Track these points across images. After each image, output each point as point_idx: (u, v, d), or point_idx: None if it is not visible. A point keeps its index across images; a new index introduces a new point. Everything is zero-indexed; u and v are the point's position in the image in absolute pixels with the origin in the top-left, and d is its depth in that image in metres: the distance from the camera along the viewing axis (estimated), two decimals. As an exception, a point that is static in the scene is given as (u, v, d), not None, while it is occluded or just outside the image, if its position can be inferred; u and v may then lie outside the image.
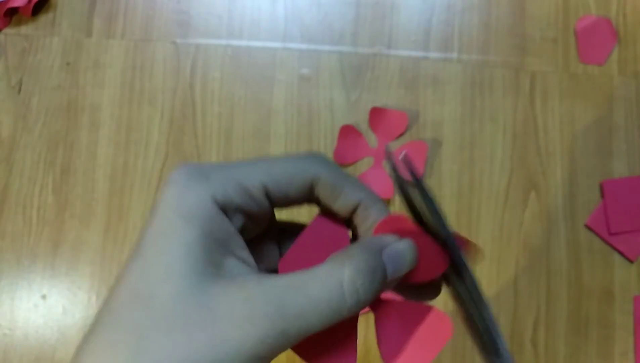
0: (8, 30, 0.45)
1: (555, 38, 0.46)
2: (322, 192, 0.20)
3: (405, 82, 0.45)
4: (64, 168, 0.43)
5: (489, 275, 0.42)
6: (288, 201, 0.20)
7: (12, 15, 0.45)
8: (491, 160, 0.44)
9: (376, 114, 0.43)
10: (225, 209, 0.18)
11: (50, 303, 0.41)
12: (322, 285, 0.17)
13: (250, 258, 0.19)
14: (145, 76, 0.44)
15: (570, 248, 0.42)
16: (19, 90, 0.44)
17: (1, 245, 0.42)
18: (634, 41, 0.46)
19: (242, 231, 0.19)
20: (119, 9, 0.45)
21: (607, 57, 0.45)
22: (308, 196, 0.20)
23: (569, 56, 0.45)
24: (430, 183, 0.43)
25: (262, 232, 0.21)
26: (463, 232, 0.43)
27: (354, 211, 0.20)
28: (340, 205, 0.20)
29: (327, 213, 0.21)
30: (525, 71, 0.45)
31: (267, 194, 0.19)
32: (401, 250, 0.19)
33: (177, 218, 0.17)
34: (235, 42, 0.45)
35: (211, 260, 0.17)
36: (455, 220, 0.43)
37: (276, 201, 0.19)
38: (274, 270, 0.21)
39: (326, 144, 0.44)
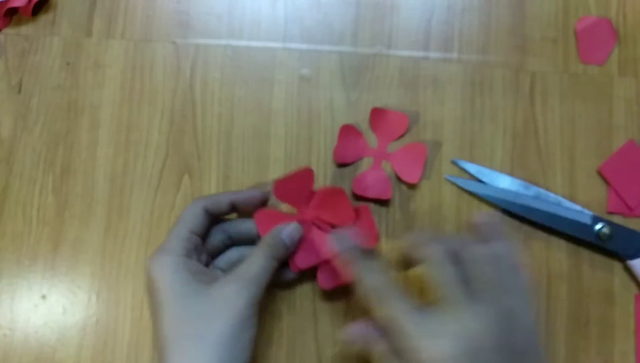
0: (8, 31, 0.45)
1: (555, 38, 0.46)
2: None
3: (405, 82, 0.45)
4: (63, 168, 0.43)
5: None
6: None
7: (12, 15, 0.45)
8: (491, 160, 0.44)
9: (377, 115, 0.43)
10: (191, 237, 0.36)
11: (50, 303, 0.41)
12: (255, 264, 0.35)
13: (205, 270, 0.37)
14: (145, 76, 0.44)
15: (569, 246, 0.43)
16: (19, 90, 0.44)
17: (1, 245, 0.42)
18: (634, 41, 0.46)
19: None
20: (119, 9, 0.45)
21: (607, 57, 0.45)
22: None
23: (569, 56, 0.45)
24: (430, 183, 0.43)
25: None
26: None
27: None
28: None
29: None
30: (525, 71, 0.45)
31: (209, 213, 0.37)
32: (291, 228, 0.37)
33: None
34: (235, 43, 0.45)
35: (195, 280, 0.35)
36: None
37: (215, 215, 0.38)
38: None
39: (326, 144, 0.44)
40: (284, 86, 0.44)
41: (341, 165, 0.43)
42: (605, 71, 0.45)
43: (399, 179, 0.43)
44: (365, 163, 0.43)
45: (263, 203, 0.39)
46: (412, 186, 0.43)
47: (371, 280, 0.33)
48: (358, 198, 0.42)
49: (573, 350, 0.41)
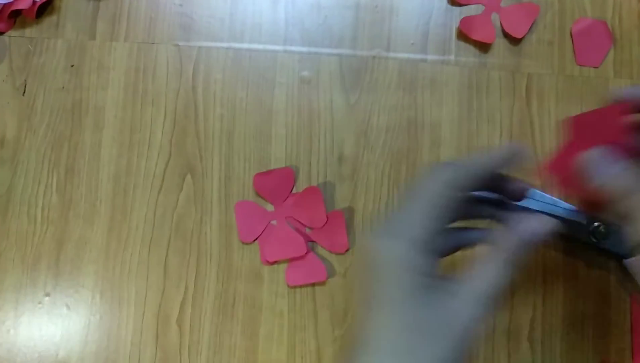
0: (12, 33, 0.46)
1: (551, 40, 0.46)
2: None
3: (404, 84, 0.45)
4: (68, 168, 0.44)
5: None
6: None
7: (16, 17, 0.46)
8: (488, 161, 0.44)
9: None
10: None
11: (54, 302, 0.42)
12: (488, 276, 0.27)
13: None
14: (149, 78, 0.45)
15: (565, 245, 0.43)
16: (24, 92, 0.45)
17: (6, 244, 0.43)
18: (629, 43, 0.46)
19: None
20: (123, 12, 0.46)
21: (603, 59, 0.46)
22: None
23: (565, 58, 0.46)
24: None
25: None
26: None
27: None
28: None
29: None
30: (521, 73, 0.46)
31: None
32: (537, 223, 0.28)
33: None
34: (236, 45, 0.46)
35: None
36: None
37: None
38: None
39: (326, 145, 0.44)
40: (284, 88, 0.45)
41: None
42: (600, 72, 0.46)
43: (504, 32, 0.46)
44: (474, 10, 0.46)
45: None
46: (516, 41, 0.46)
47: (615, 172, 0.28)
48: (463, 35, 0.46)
49: (569, 349, 0.42)
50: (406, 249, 0.26)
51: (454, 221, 0.30)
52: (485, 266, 0.27)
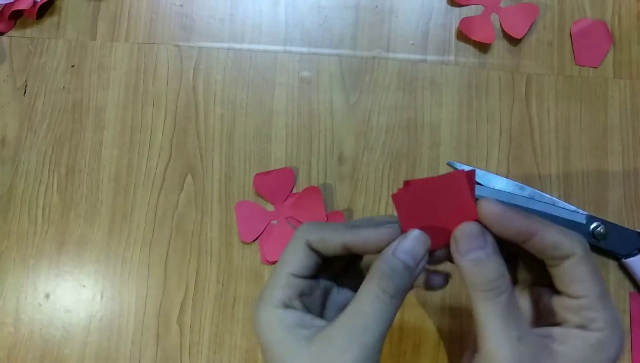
0: (13, 33, 0.46)
1: (550, 41, 0.46)
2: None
3: (404, 85, 0.45)
4: (69, 168, 0.44)
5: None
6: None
7: (17, 18, 0.46)
8: (487, 161, 0.44)
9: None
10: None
11: (55, 302, 0.42)
12: (365, 308, 0.25)
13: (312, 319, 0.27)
14: (149, 78, 0.45)
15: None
16: (24, 92, 0.45)
17: (7, 244, 0.43)
18: (629, 44, 0.46)
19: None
20: (123, 12, 0.46)
21: (602, 59, 0.46)
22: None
23: (565, 58, 0.46)
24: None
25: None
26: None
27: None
28: None
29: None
30: (520, 74, 0.46)
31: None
32: (409, 242, 0.26)
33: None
34: (237, 46, 0.46)
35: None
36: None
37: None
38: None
39: (326, 145, 0.44)
40: (284, 88, 0.45)
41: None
42: (600, 73, 0.46)
43: (504, 33, 0.46)
44: (474, 10, 0.47)
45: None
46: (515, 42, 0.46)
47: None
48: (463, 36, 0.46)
49: (568, 347, 0.42)
50: (266, 309, 0.27)
51: (313, 274, 0.28)
52: (360, 300, 0.25)
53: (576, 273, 0.25)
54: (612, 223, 0.42)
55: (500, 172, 0.44)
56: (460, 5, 0.47)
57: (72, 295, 0.42)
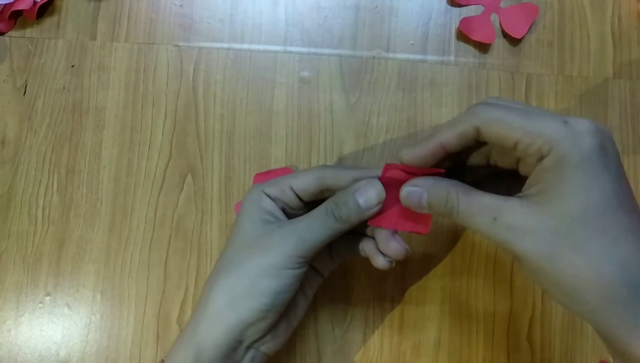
0: (13, 33, 0.46)
1: (550, 41, 0.46)
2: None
3: (404, 85, 0.45)
4: (69, 168, 0.44)
5: (485, 273, 0.43)
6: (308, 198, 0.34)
7: (16, 18, 0.46)
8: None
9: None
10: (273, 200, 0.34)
11: (55, 302, 0.42)
12: (313, 220, 0.32)
13: (283, 217, 0.34)
14: (149, 78, 0.45)
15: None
16: (24, 92, 0.45)
17: (6, 244, 0.43)
18: (629, 44, 0.46)
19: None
20: (123, 12, 0.46)
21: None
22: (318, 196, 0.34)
23: (565, 58, 0.46)
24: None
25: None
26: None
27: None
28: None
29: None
30: (520, 74, 0.46)
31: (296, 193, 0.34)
32: (368, 189, 0.31)
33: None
34: (237, 46, 0.46)
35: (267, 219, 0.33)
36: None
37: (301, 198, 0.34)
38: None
39: (326, 145, 0.44)
40: (284, 88, 0.45)
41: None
42: (600, 73, 0.46)
43: (504, 33, 0.46)
44: (474, 10, 0.47)
45: None
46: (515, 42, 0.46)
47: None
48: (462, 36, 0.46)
49: (568, 348, 0.42)
50: (258, 193, 0.34)
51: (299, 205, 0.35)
52: (316, 210, 0.32)
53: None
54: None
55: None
56: (460, 5, 0.47)
57: (72, 294, 0.42)
